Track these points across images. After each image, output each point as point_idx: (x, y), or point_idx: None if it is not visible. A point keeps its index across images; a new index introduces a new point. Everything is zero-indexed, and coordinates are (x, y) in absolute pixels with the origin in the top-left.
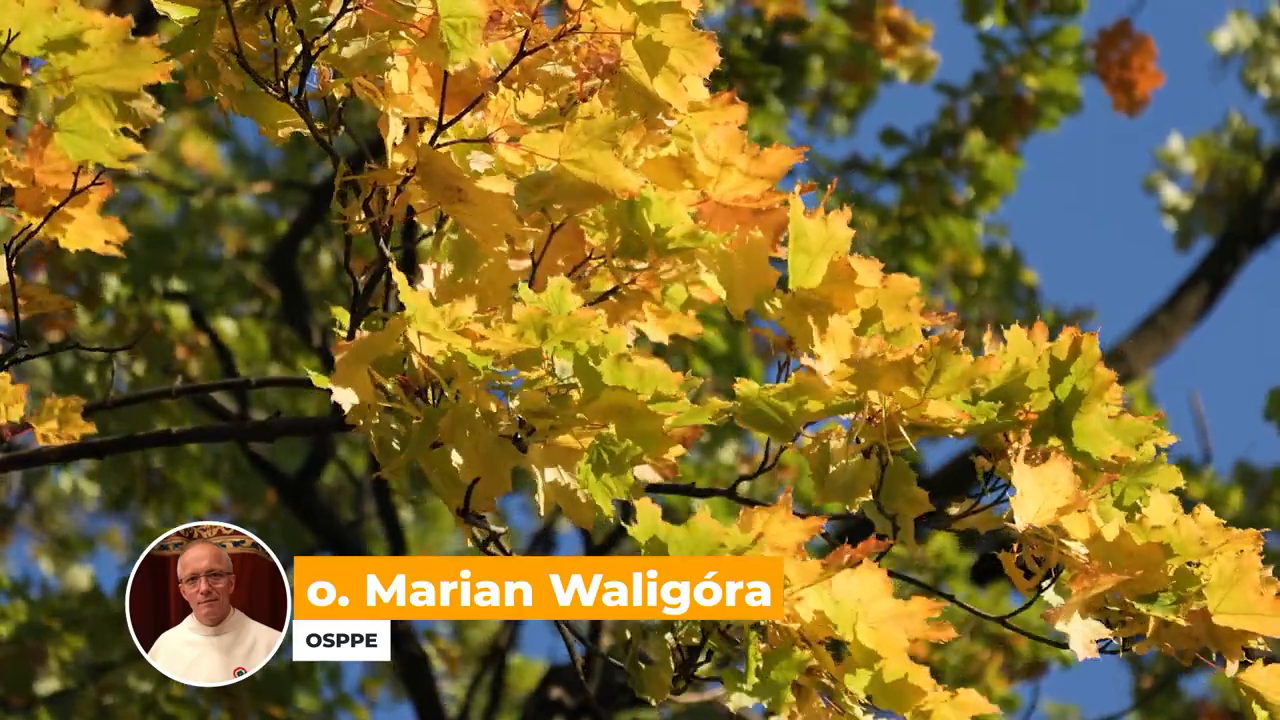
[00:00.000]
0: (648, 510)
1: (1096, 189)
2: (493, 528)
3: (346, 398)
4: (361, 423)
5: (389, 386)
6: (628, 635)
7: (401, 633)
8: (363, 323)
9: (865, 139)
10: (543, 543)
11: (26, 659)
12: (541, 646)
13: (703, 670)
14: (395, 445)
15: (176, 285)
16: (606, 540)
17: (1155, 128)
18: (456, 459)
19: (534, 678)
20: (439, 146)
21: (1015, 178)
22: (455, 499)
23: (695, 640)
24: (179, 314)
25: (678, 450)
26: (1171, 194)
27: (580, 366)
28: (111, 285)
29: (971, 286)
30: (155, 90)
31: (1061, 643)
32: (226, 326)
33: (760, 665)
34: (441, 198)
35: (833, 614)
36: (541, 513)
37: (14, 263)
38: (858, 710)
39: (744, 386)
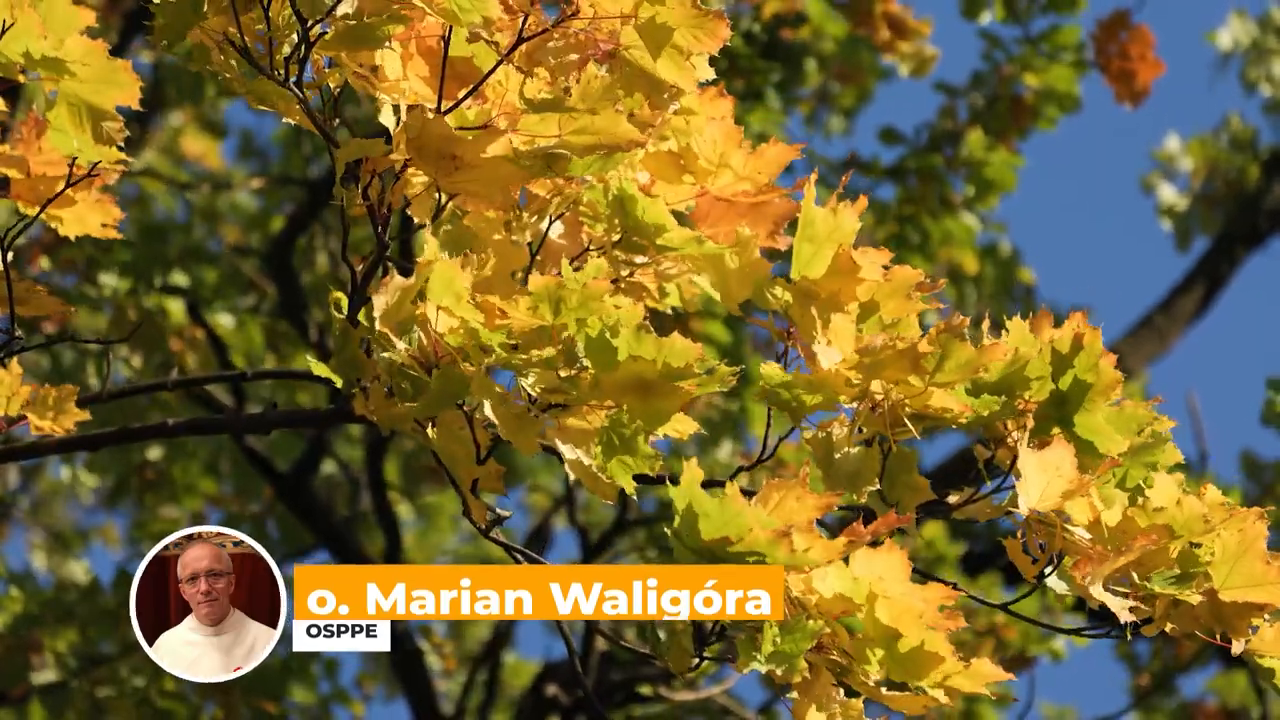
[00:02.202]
0: (692, 474)
1: (1094, 188)
2: (499, 511)
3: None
4: (366, 400)
5: (402, 358)
6: None
7: (398, 630)
8: (361, 311)
9: (864, 137)
10: (538, 540)
11: (23, 651)
12: (537, 646)
13: (713, 649)
14: (408, 404)
15: (175, 280)
16: (602, 539)
17: (1153, 127)
18: (487, 411)
19: (529, 676)
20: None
21: (1015, 176)
22: (467, 474)
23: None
24: (176, 308)
25: (692, 426)
26: (1169, 194)
27: (593, 344)
28: (110, 281)
29: (968, 285)
30: (155, 86)
31: (1059, 628)
32: (224, 321)
33: (776, 635)
34: (438, 170)
35: (850, 591)
36: (571, 481)
37: (9, 255)
38: (870, 686)
39: (768, 369)
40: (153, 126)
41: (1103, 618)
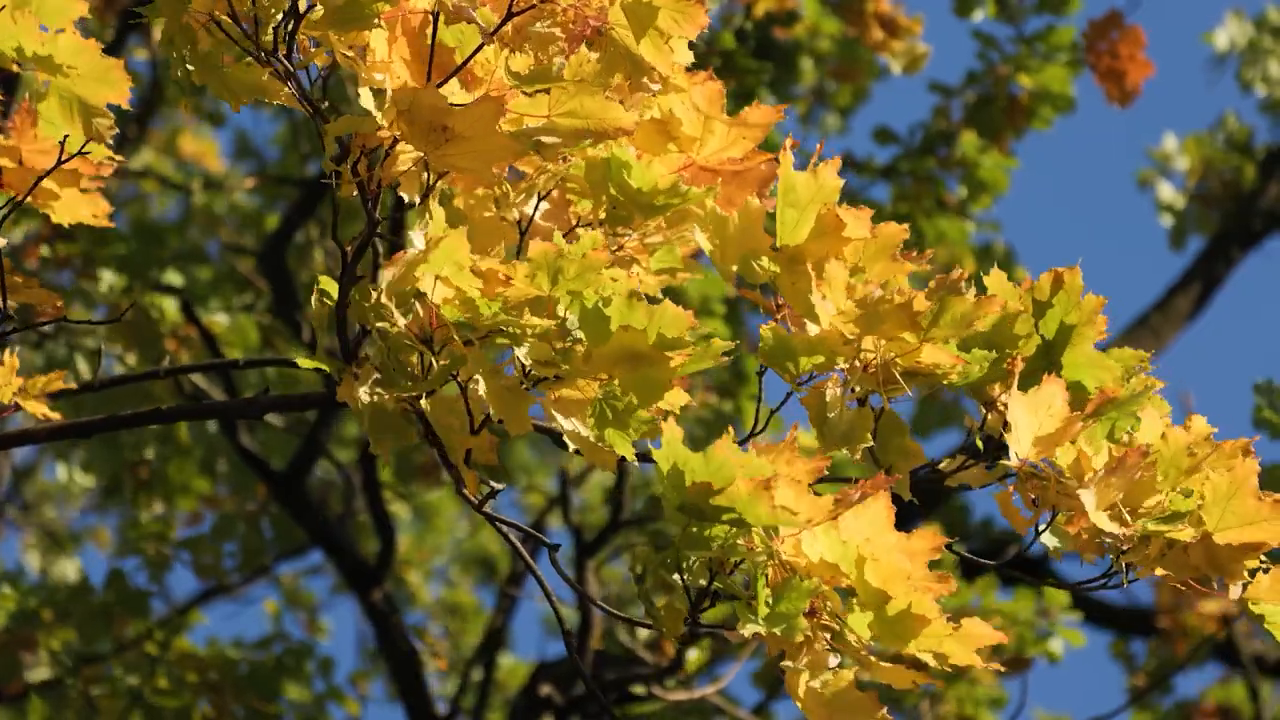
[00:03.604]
0: (673, 433)
1: (1089, 187)
2: (492, 484)
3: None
4: (355, 400)
5: (397, 330)
6: (640, 569)
7: (393, 629)
8: (353, 290)
9: (859, 137)
10: (534, 538)
11: (17, 648)
12: (531, 647)
13: (709, 615)
14: (406, 382)
15: (169, 278)
16: (596, 538)
17: (1150, 126)
18: (480, 389)
19: (523, 677)
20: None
21: (1008, 177)
22: (461, 445)
23: (703, 582)
24: (170, 306)
25: (683, 398)
26: (1166, 192)
27: (587, 315)
28: (107, 278)
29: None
30: (154, 85)
31: (1060, 584)
32: (220, 320)
33: (770, 598)
34: (428, 143)
35: (838, 556)
36: (570, 451)
37: (3, 242)
38: (860, 653)
39: (766, 330)
40: (152, 126)
41: (1098, 612)
